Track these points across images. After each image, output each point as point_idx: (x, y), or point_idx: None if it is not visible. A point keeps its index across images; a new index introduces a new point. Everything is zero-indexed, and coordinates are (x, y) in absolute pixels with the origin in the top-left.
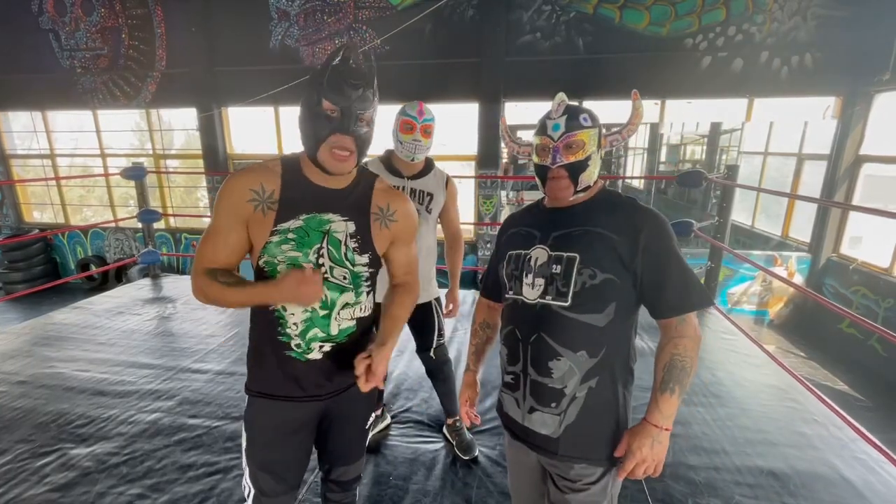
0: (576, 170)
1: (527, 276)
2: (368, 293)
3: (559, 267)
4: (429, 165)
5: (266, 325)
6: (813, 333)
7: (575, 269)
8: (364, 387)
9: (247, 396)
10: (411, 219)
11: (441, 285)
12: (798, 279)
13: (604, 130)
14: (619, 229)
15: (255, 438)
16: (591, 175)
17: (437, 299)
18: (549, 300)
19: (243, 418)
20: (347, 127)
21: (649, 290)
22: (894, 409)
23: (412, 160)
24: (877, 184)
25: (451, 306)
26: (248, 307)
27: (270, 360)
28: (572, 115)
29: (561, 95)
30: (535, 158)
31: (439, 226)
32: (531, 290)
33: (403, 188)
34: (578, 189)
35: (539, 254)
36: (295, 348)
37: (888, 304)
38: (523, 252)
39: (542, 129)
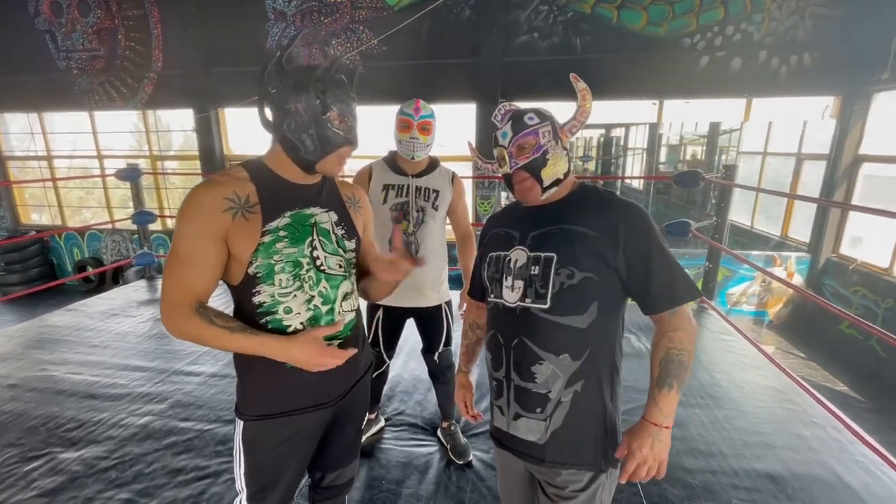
0: (534, 167)
1: (506, 278)
2: (354, 280)
3: (537, 268)
4: (433, 163)
5: None
6: (812, 334)
7: (553, 270)
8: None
9: (241, 422)
10: (370, 208)
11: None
12: (797, 279)
13: (559, 122)
14: (597, 226)
15: (258, 462)
16: (555, 170)
17: (448, 302)
18: (528, 303)
19: (240, 442)
20: (355, 139)
21: (634, 287)
22: (895, 410)
23: (412, 158)
24: (876, 183)
25: (465, 306)
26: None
27: (269, 378)
28: (517, 118)
29: (502, 105)
30: (499, 170)
31: (448, 227)
32: (511, 293)
33: (408, 186)
34: (545, 186)
35: (518, 255)
36: None
37: (888, 305)
38: (503, 254)
39: (495, 140)
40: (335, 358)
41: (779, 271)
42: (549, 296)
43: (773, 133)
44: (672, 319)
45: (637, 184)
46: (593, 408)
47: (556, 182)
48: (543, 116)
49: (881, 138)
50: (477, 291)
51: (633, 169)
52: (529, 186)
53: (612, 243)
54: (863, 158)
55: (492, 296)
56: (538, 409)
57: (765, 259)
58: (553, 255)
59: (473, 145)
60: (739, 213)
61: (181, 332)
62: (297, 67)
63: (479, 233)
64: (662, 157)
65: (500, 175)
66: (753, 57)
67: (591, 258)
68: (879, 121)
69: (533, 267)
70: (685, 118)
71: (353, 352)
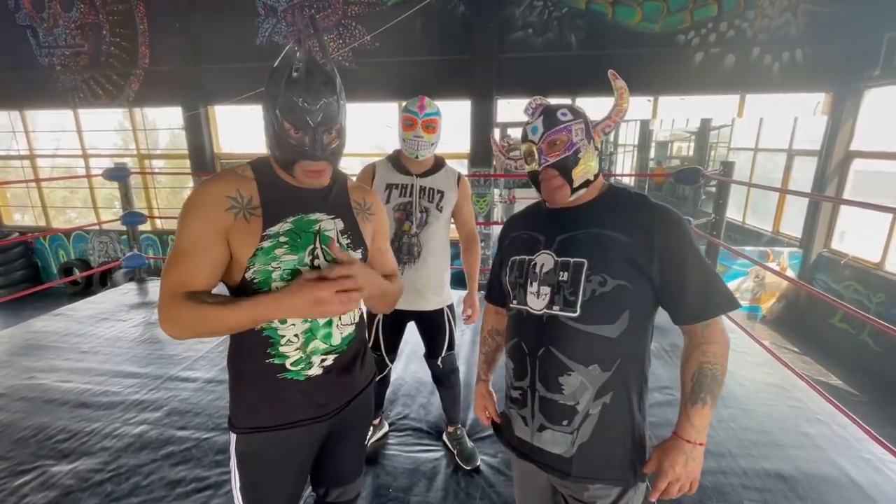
0: (565, 166)
1: (531, 284)
2: None
3: (566, 274)
4: (439, 163)
5: (253, 349)
6: (805, 329)
7: (583, 276)
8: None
9: (234, 435)
10: (384, 213)
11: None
12: (790, 275)
13: (591, 120)
14: (630, 231)
15: (252, 477)
16: (586, 170)
17: (451, 306)
18: (556, 311)
19: (235, 456)
20: (314, 153)
21: (668, 296)
22: (888, 403)
23: (416, 157)
24: (867, 179)
25: (469, 311)
26: (241, 329)
27: (262, 390)
28: (549, 113)
29: (534, 99)
30: (525, 167)
31: (452, 226)
32: (536, 300)
33: (412, 186)
34: (575, 186)
35: (544, 260)
36: (292, 367)
37: (879, 299)
38: (527, 258)
39: (524, 135)
40: (337, 298)
41: (772, 266)
42: (580, 303)
43: (763, 129)
44: (706, 332)
45: (628, 180)
46: (622, 420)
47: (586, 183)
48: (577, 113)
49: (872, 134)
50: (497, 297)
51: (624, 166)
52: (558, 186)
53: (647, 250)
54: (854, 154)
55: (514, 302)
56: (565, 422)
57: (758, 254)
58: (584, 260)
59: (469, 143)
60: (731, 208)
61: (179, 324)
62: (273, 69)
63: (477, 230)
64: (652, 154)
65: (524, 172)
66: (747, 53)
67: (625, 265)
68: (870, 117)
69: (561, 273)
70: (678, 114)
71: (353, 281)
